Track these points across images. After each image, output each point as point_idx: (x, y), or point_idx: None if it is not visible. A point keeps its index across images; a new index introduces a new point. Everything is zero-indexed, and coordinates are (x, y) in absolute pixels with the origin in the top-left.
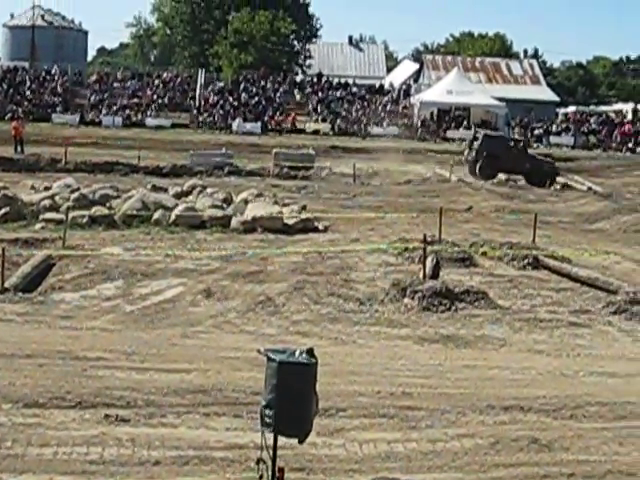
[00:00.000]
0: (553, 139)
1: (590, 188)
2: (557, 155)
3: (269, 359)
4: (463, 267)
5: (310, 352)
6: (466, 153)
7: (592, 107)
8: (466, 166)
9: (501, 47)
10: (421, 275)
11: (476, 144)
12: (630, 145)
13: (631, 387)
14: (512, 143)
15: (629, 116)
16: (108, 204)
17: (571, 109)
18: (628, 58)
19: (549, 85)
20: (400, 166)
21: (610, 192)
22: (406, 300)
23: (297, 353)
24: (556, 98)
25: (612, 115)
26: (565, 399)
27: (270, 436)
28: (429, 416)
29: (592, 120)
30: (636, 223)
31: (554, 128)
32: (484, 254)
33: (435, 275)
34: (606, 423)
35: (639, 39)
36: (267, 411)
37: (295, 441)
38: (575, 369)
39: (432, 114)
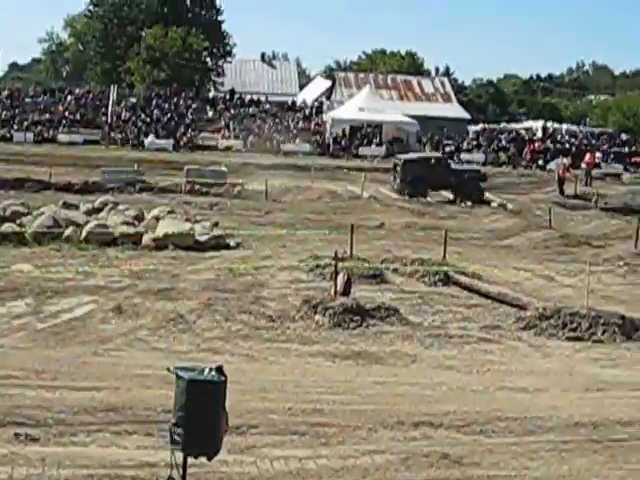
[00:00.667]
0: (464, 156)
1: (501, 204)
2: None
3: (178, 377)
4: (374, 284)
5: (219, 370)
6: (392, 179)
7: (503, 124)
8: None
9: (412, 65)
10: (332, 292)
11: (398, 170)
12: (540, 162)
13: (540, 402)
14: (433, 161)
15: (539, 133)
16: (19, 221)
17: (481, 126)
18: (538, 76)
19: (460, 102)
20: (312, 183)
21: (520, 209)
22: (317, 317)
23: (206, 371)
24: (467, 115)
25: (522, 132)
26: (475, 414)
27: (181, 454)
28: (340, 432)
29: (502, 137)
30: (545, 239)
31: (465, 145)
32: (395, 270)
33: (346, 292)
34: (516, 438)
35: (549, 58)
36: (176, 429)
37: (205, 459)
38: (485, 384)
39: (344, 131)
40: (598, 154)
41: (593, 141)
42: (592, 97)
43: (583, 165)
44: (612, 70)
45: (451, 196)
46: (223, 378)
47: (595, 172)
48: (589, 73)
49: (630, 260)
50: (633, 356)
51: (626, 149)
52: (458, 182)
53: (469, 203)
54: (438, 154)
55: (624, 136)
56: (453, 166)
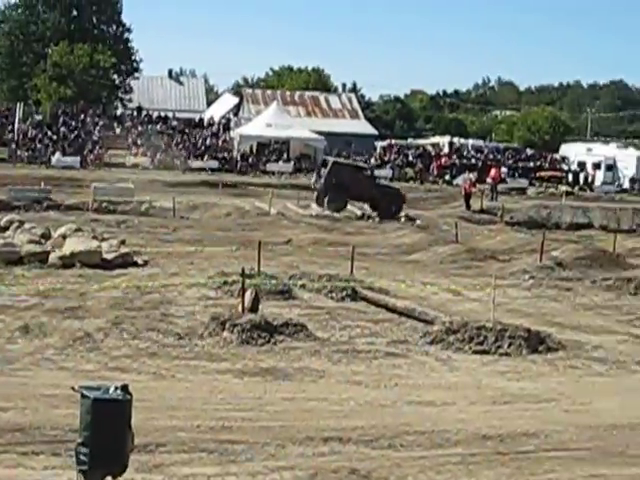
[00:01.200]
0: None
1: (412, 219)
2: None
3: (83, 396)
4: (282, 300)
5: (124, 388)
6: (314, 181)
7: (410, 140)
8: (314, 195)
9: (319, 81)
10: (240, 308)
11: (323, 172)
12: (446, 177)
13: (447, 415)
14: (361, 170)
15: (445, 149)
16: None
17: (389, 142)
18: (445, 92)
19: (367, 118)
20: (220, 199)
21: (427, 223)
22: (225, 334)
23: (111, 390)
24: (374, 131)
25: (429, 148)
26: (383, 429)
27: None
28: (249, 449)
29: (409, 153)
30: (452, 254)
31: (373, 161)
32: (303, 286)
33: (254, 308)
34: (424, 451)
35: (455, 74)
36: (82, 449)
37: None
38: (393, 399)
39: (252, 147)
40: (504, 169)
41: (499, 156)
42: (498, 113)
43: (489, 180)
44: (517, 86)
45: (359, 212)
46: (128, 397)
47: (501, 187)
48: (495, 89)
49: (535, 273)
50: (539, 369)
51: (531, 164)
52: (380, 196)
53: (377, 219)
54: (367, 165)
55: (529, 151)
56: (378, 180)
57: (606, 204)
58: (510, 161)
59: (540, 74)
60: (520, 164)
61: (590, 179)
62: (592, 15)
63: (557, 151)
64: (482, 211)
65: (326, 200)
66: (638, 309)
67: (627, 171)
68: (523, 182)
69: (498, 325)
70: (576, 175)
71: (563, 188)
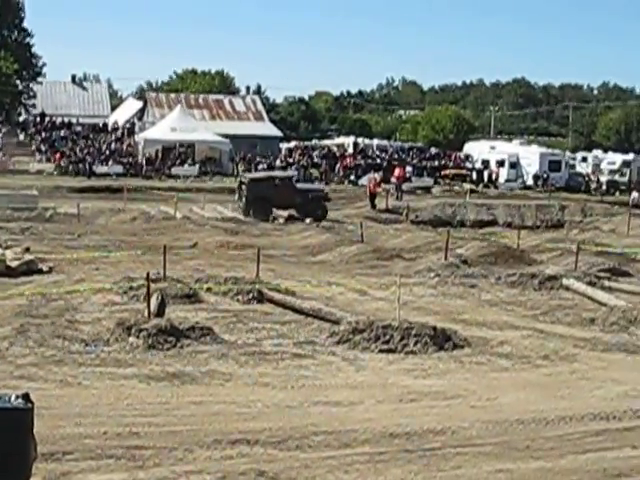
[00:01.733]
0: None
1: (312, 221)
2: None
3: None
4: (189, 304)
5: (26, 397)
6: (236, 198)
7: (315, 141)
8: (240, 210)
9: (223, 84)
10: (146, 313)
11: (244, 189)
12: (351, 178)
13: (355, 415)
14: (279, 180)
15: (350, 149)
16: None
17: (293, 143)
18: (349, 93)
19: (272, 120)
20: (125, 205)
21: (332, 224)
22: (131, 339)
23: (12, 398)
24: (279, 133)
25: (334, 149)
26: (291, 430)
27: None
28: (157, 454)
29: (314, 154)
30: (358, 254)
31: (278, 163)
32: (209, 290)
33: (160, 313)
34: (332, 451)
35: (359, 74)
36: None
37: None
38: (300, 400)
39: (157, 152)
40: (408, 168)
41: (403, 156)
42: (402, 112)
43: (394, 179)
44: (421, 85)
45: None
46: (30, 405)
47: (406, 186)
48: (399, 89)
49: (440, 271)
50: (445, 366)
51: (436, 163)
52: (303, 201)
53: (281, 220)
54: (285, 173)
55: (433, 150)
56: (298, 185)
57: (510, 201)
58: (415, 160)
59: (443, 73)
60: (425, 163)
61: (494, 177)
62: (493, 14)
63: (461, 149)
64: (387, 210)
65: (251, 215)
66: (542, 304)
67: (530, 168)
68: (428, 181)
69: (404, 323)
70: (480, 173)
71: (467, 186)
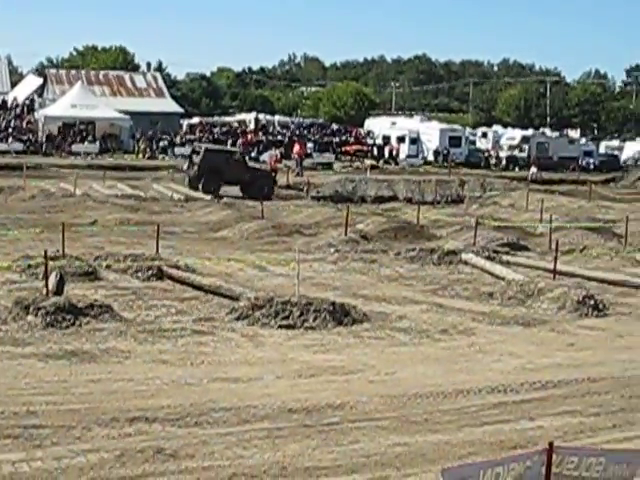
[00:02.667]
0: (178, 150)
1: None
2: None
3: None
4: (88, 281)
5: None
6: (186, 167)
7: (216, 118)
8: (186, 180)
9: (124, 60)
10: (45, 292)
11: (196, 158)
12: (253, 154)
13: (254, 391)
14: (232, 155)
15: (251, 126)
16: None
17: (195, 120)
18: (250, 69)
19: (173, 97)
20: (25, 182)
21: (233, 201)
22: (29, 317)
23: None
24: (180, 109)
25: (235, 125)
26: (190, 407)
27: None
28: (54, 433)
29: (216, 131)
30: (258, 230)
31: (179, 140)
32: (108, 267)
33: (59, 291)
34: (230, 428)
35: (260, 51)
36: None
37: None
38: (199, 377)
39: (58, 128)
40: (309, 144)
41: (305, 132)
42: (304, 89)
43: (294, 155)
44: (323, 62)
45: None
46: None
47: (307, 162)
48: (301, 65)
49: (341, 247)
50: (344, 341)
51: (337, 139)
52: (252, 179)
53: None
54: (236, 149)
55: (335, 126)
56: (250, 164)
57: (410, 177)
58: (316, 136)
59: (345, 50)
60: (326, 139)
61: (395, 152)
62: None
63: (362, 126)
64: (288, 186)
65: (200, 185)
66: (441, 279)
67: (430, 144)
68: (329, 157)
69: (303, 299)
70: (381, 149)
71: (368, 162)
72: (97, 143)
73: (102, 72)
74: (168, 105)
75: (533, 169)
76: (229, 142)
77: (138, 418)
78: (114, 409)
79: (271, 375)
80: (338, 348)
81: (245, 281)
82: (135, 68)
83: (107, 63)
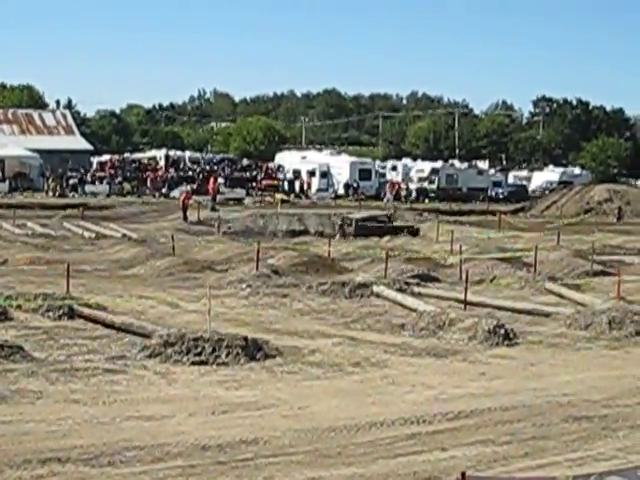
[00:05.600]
0: (89, 188)
1: (124, 234)
2: (93, 203)
3: None
4: None
5: None
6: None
7: (127, 154)
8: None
9: (31, 98)
10: None
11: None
12: (164, 190)
13: (167, 428)
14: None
15: (162, 162)
16: None
17: (105, 157)
18: (160, 105)
19: (83, 134)
20: None
21: (144, 237)
22: None
23: None
24: (90, 147)
25: (146, 162)
26: (103, 447)
27: None
28: None
29: (127, 167)
30: (169, 266)
31: (89, 177)
32: (19, 307)
33: None
34: (144, 466)
35: (170, 87)
36: None
37: None
38: (112, 415)
39: None
40: (220, 180)
41: (215, 167)
42: (214, 124)
43: (207, 191)
44: (233, 97)
45: None
46: None
47: (218, 197)
48: (210, 101)
49: (252, 282)
50: (257, 376)
51: (248, 174)
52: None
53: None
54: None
55: (245, 161)
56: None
57: (321, 210)
58: (227, 172)
59: (255, 85)
60: (236, 174)
61: (305, 186)
62: (300, 25)
63: (273, 160)
64: (200, 222)
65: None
66: (353, 312)
67: (341, 177)
68: (240, 192)
69: (215, 335)
70: (291, 183)
71: (279, 196)
72: (7, 182)
73: (10, 110)
74: (78, 142)
75: (388, 195)
76: (139, 179)
77: (51, 459)
78: (26, 450)
79: (184, 412)
80: (251, 383)
81: (157, 318)
82: (44, 106)
83: (14, 102)
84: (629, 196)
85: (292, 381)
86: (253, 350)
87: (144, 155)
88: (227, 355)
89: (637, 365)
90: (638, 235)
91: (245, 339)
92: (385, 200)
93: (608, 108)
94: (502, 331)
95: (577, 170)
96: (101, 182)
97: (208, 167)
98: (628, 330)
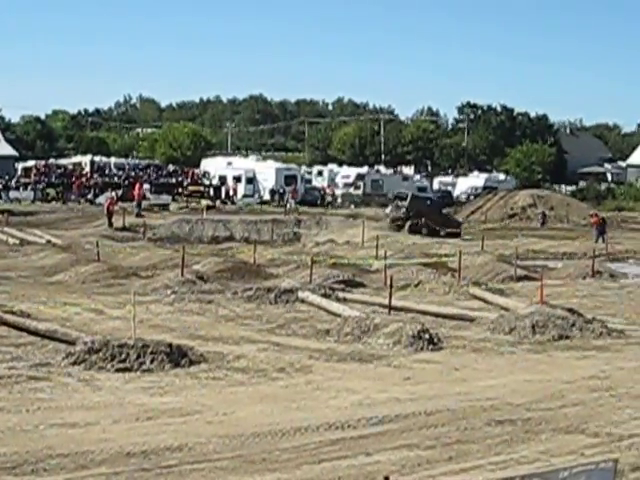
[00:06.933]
0: (13, 194)
1: (49, 241)
2: (17, 210)
3: None
4: None
5: None
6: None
7: (52, 160)
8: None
9: None
10: None
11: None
12: (89, 196)
13: (91, 435)
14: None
15: (87, 168)
16: None
17: (30, 163)
18: (86, 111)
19: (8, 140)
20: None
21: (69, 244)
22: None
23: None
24: (15, 153)
25: (71, 167)
26: (26, 455)
27: None
28: None
29: (52, 173)
30: (94, 273)
31: (13, 183)
32: None
33: None
34: (68, 474)
35: (96, 92)
36: None
37: None
38: (35, 423)
39: None
40: (146, 186)
41: (141, 173)
42: (140, 130)
43: (132, 197)
44: (159, 103)
45: None
46: None
47: (144, 203)
48: (136, 106)
49: (177, 288)
50: (181, 382)
51: (173, 180)
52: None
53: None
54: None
55: (171, 167)
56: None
57: (247, 216)
58: (152, 178)
59: (181, 91)
60: (162, 180)
61: (231, 192)
62: (226, 31)
63: (198, 166)
64: (125, 229)
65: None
66: (278, 317)
67: (267, 183)
68: (166, 198)
69: (140, 342)
70: (217, 189)
71: (205, 202)
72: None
73: None
74: (2, 148)
75: (290, 200)
76: (64, 185)
77: None
78: None
79: (108, 419)
80: (176, 390)
81: (81, 325)
82: None
83: None
84: (552, 201)
85: (217, 387)
86: (178, 356)
87: (69, 161)
88: (152, 361)
89: (560, 369)
90: (561, 240)
91: (170, 345)
92: (288, 206)
93: (532, 114)
94: (427, 336)
95: (501, 176)
96: (26, 188)
97: (134, 173)
98: (551, 334)
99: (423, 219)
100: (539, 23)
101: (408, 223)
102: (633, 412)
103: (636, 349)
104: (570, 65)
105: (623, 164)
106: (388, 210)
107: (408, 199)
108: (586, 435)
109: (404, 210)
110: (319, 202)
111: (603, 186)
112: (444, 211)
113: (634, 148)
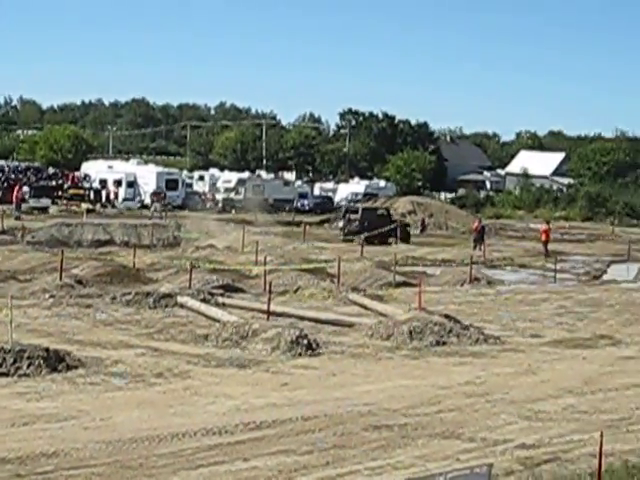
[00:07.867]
0: None
1: None
2: None
3: None
4: None
5: None
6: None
7: None
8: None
9: None
10: None
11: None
12: None
13: None
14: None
15: None
16: None
17: None
18: None
19: None
20: None
21: None
22: None
23: None
24: None
25: None
26: None
27: None
28: None
29: None
30: None
31: None
32: None
33: None
34: None
35: None
36: None
37: None
38: None
39: None
40: (25, 188)
41: (20, 176)
42: (20, 132)
43: (11, 200)
44: (40, 104)
45: None
46: None
47: (23, 206)
48: (17, 108)
49: (55, 292)
50: (58, 387)
51: (54, 182)
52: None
53: None
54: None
55: (51, 170)
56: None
57: (127, 220)
58: (32, 180)
59: (62, 93)
60: (42, 183)
61: (112, 196)
62: (103, 34)
63: (79, 169)
64: (3, 232)
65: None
66: (157, 322)
67: (148, 187)
68: (45, 201)
69: (17, 346)
70: (98, 192)
71: (85, 206)
72: None
73: None
74: None
75: (156, 204)
76: None
77: None
78: None
79: None
80: (52, 395)
81: None
82: None
83: None
84: (432, 208)
85: (94, 392)
86: (55, 361)
87: None
88: (28, 366)
89: (436, 374)
90: (440, 247)
91: (47, 350)
92: (152, 209)
93: (413, 122)
94: (305, 341)
95: (382, 182)
96: None
97: (13, 175)
98: (428, 340)
99: (376, 230)
100: (421, 29)
101: (363, 235)
102: (508, 417)
103: (511, 355)
104: (451, 74)
105: (502, 172)
106: (341, 224)
107: (359, 212)
108: (462, 440)
109: (356, 223)
110: (200, 207)
111: (482, 194)
112: (393, 219)
113: (512, 156)
